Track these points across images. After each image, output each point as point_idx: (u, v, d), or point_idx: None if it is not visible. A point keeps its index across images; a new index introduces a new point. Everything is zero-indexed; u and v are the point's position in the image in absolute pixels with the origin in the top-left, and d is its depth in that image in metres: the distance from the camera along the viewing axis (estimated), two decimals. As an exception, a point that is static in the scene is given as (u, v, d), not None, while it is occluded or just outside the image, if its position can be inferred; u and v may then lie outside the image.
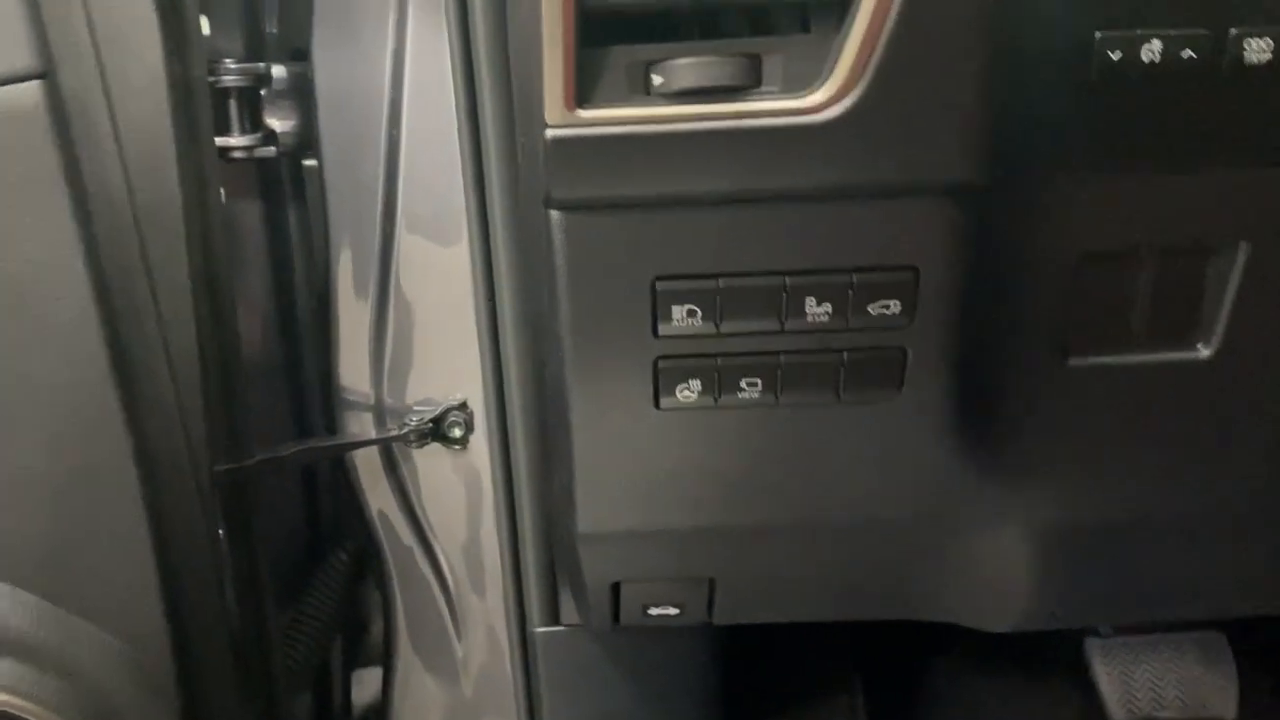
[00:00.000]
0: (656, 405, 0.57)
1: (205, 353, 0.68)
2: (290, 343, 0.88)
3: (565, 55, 0.48)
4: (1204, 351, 0.59)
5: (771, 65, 0.49)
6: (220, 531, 0.70)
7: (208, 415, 0.68)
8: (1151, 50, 0.50)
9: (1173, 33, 0.50)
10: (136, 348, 0.63)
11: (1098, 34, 0.50)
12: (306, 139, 0.80)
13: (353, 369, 0.81)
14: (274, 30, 0.82)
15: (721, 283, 0.54)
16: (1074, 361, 0.59)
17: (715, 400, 0.57)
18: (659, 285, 0.54)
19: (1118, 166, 0.54)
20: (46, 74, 0.57)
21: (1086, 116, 0.52)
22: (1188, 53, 0.50)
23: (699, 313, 0.54)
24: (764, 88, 0.49)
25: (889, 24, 0.48)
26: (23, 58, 0.57)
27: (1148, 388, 0.60)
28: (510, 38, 0.60)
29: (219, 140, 0.74)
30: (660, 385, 0.57)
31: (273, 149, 0.78)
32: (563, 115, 0.49)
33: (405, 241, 0.77)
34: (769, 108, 0.49)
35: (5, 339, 0.60)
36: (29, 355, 0.60)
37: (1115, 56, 0.50)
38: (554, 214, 0.52)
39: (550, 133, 0.49)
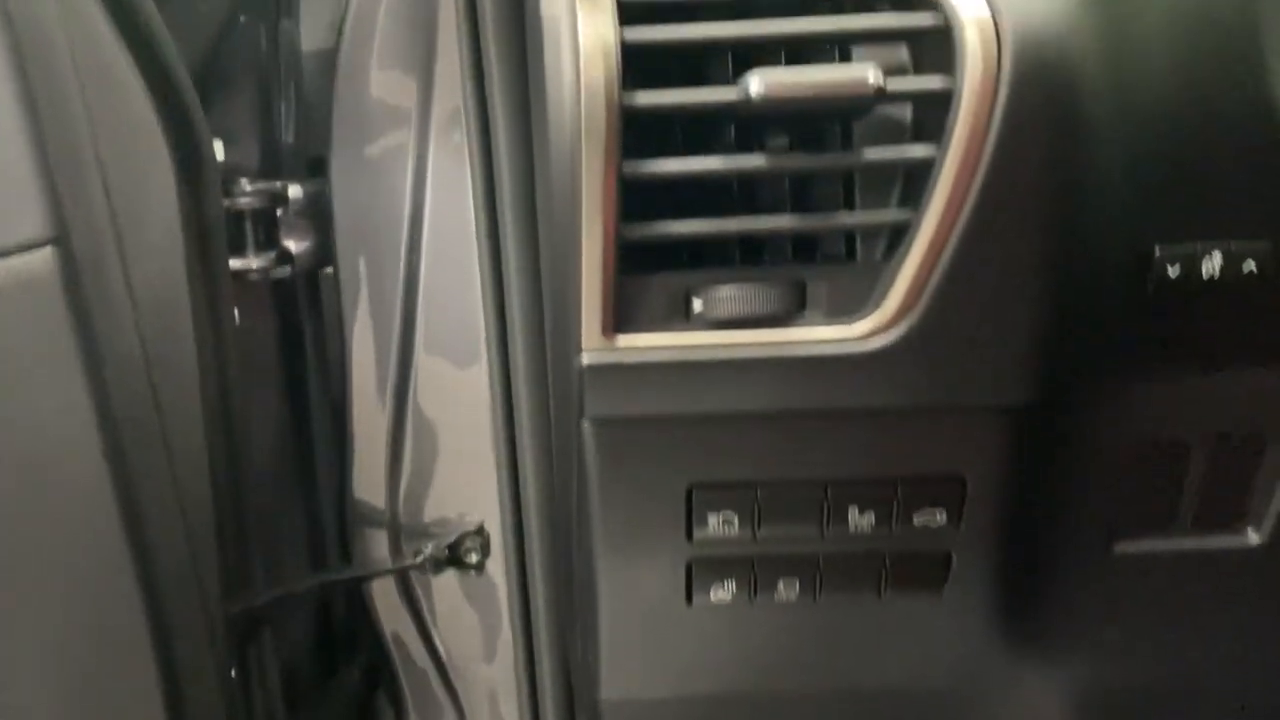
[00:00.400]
0: (689, 603, 0.56)
1: (219, 493, 0.66)
2: (305, 460, 0.86)
3: (604, 287, 0.46)
4: (1254, 538, 0.57)
5: (815, 290, 0.47)
6: (232, 672, 0.69)
7: (220, 557, 0.66)
8: (1212, 264, 0.48)
9: (1233, 246, 0.48)
10: (149, 499, 0.61)
11: (1156, 249, 0.48)
12: (323, 257, 0.77)
13: (368, 488, 0.79)
14: (290, 139, 0.80)
15: (760, 492, 0.52)
16: (1120, 548, 0.57)
17: (750, 600, 0.55)
18: (695, 494, 0.52)
19: (1171, 371, 0.52)
20: (59, 240, 0.55)
21: (1142, 329, 0.50)
22: (1249, 265, 0.48)
23: (735, 520, 0.52)
24: (807, 313, 0.47)
25: (946, 254, 0.45)
26: (35, 226, 0.54)
27: (1195, 572, 0.58)
28: (542, 243, 0.57)
29: (234, 262, 0.72)
30: (693, 585, 0.55)
31: (288, 269, 0.76)
32: (600, 342, 0.47)
33: (423, 362, 0.75)
34: (813, 336, 0.47)
35: (15, 500, 0.57)
36: (38, 516, 0.58)
37: (1174, 272, 0.48)
38: (587, 424, 0.50)
39: (587, 358, 0.47)
